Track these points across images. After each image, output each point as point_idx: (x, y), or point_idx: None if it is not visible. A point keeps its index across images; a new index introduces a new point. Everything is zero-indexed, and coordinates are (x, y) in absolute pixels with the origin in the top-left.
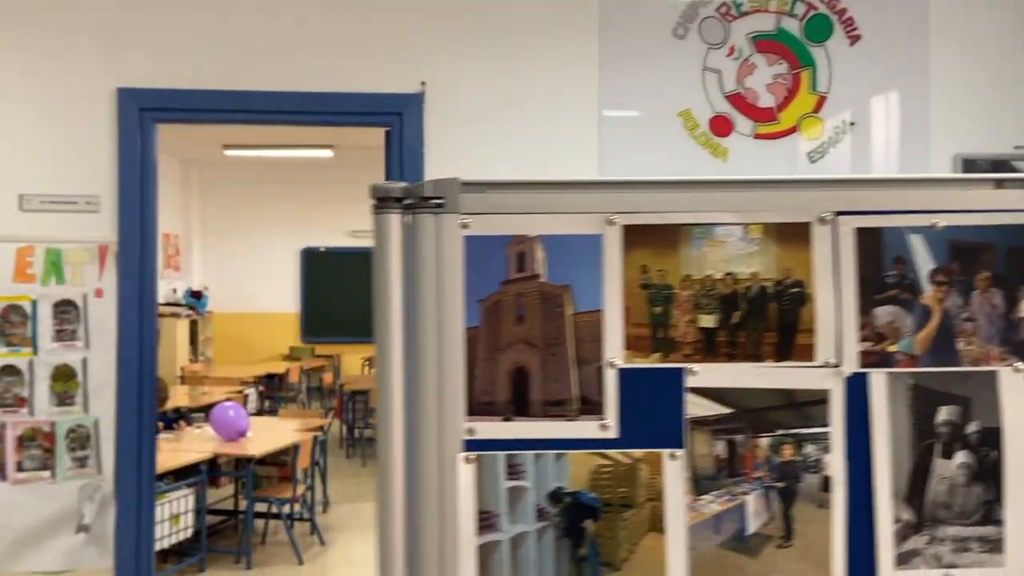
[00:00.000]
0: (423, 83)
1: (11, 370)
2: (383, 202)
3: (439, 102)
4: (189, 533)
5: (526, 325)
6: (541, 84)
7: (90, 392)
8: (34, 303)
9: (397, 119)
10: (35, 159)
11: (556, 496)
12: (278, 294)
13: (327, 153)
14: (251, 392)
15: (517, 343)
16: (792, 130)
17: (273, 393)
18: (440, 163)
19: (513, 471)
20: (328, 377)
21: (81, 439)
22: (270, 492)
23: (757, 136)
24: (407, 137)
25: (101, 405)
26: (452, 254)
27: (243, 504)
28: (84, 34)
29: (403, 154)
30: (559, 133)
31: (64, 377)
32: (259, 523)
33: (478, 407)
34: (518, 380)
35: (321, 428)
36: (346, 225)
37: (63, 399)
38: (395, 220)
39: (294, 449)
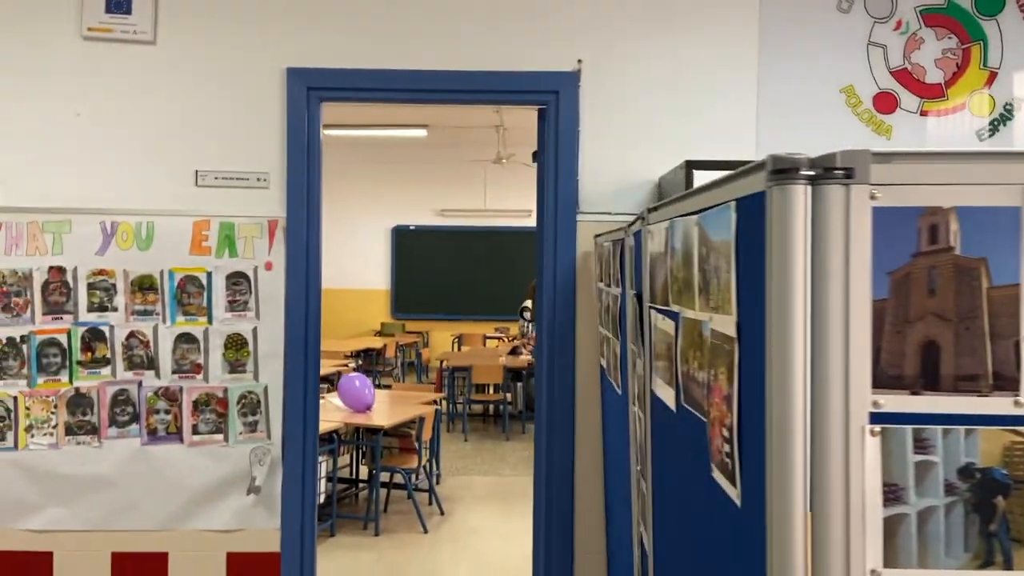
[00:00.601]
0: (579, 61)
1: (188, 338)
2: (783, 173)
3: (595, 80)
4: (322, 499)
5: (938, 298)
6: (698, 62)
7: (260, 360)
8: (209, 275)
9: (553, 97)
10: (210, 137)
11: (966, 471)
12: (370, 271)
13: (421, 133)
14: (352, 366)
15: (928, 316)
16: (961, 107)
17: (371, 367)
18: (595, 142)
19: (920, 445)
20: (426, 353)
21: (251, 405)
22: (393, 462)
23: (923, 113)
24: (563, 116)
25: (269, 373)
26: (860, 226)
27: (363, 473)
28: (257, 17)
29: (558, 133)
30: (716, 111)
31: (236, 346)
32: (371, 492)
33: (885, 380)
34: (928, 354)
35: (434, 402)
36: (435, 204)
37: (235, 366)
38: (799, 191)
39: (419, 421)
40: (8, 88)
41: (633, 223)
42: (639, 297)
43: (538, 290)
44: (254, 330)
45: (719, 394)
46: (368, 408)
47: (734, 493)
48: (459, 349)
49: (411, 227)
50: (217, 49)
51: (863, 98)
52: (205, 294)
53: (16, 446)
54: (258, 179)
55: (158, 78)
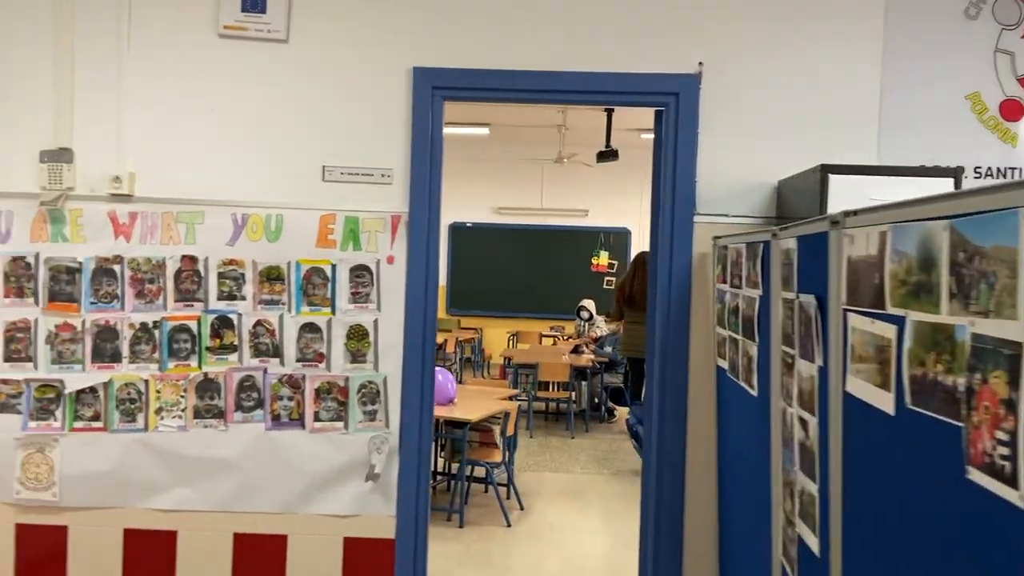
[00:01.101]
0: (700, 63)
1: (312, 328)
2: None
3: (715, 82)
4: None
5: None
6: (821, 65)
7: (380, 351)
8: (334, 267)
9: (673, 99)
10: (337, 133)
11: None
12: None
13: (484, 131)
14: None
15: None
16: None
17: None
18: (713, 144)
19: None
20: (487, 348)
21: (371, 394)
22: (473, 456)
23: None
24: (682, 118)
25: (389, 363)
26: None
27: (441, 465)
28: (385, 18)
29: (677, 135)
30: (837, 115)
31: (358, 336)
32: (455, 485)
33: None
34: None
35: (511, 398)
36: (493, 202)
37: (356, 356)
38: None
39: (504, 416)
40: (147, 85)
41: (788, 227)
42: (820, 300)
43: (650, 289)
44: (375, 321)
45: (990, 398)
46: (450, 401)
47: (1015, 496)
48: (515, 346)
49: (468, 224)
50: (346, 48)
51: (989, 105)
52: (329, 285)
53: (146, 427)
54: (382, 175)
55: (288, 76)
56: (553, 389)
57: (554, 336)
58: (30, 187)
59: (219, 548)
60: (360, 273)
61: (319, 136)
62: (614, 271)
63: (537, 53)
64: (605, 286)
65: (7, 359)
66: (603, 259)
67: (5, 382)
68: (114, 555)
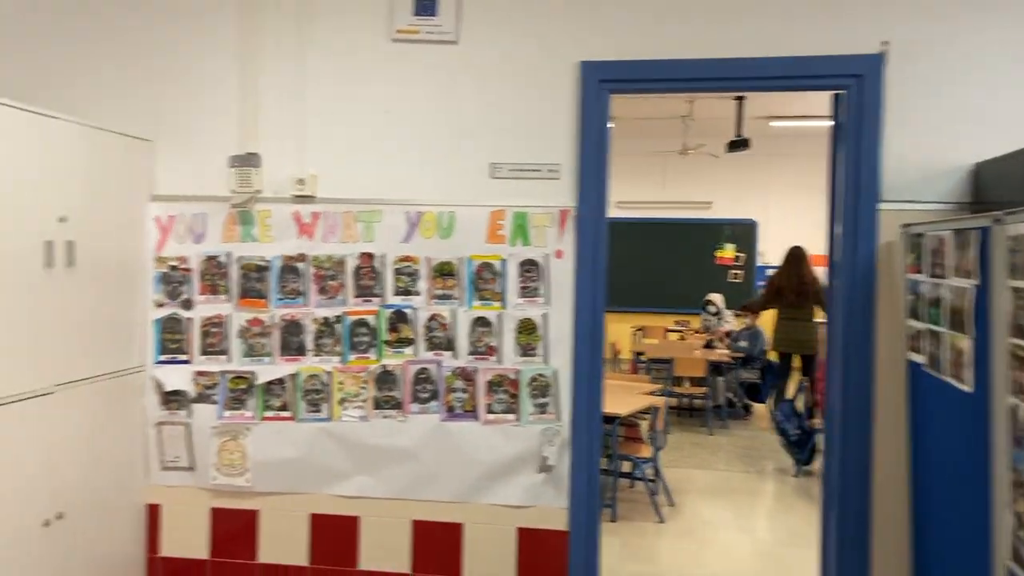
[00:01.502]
0: (885, 43)
1: (483, 322)
2: None
3: (901, 62)
4: None
5: None
6: (1013, 40)
7: (549, 345)
8: (504, 262)
9: (854, 81)
10: (505, 131)
11: None
12: None
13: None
14: None
15: None
16: None
17: None
18: (899, 128)
19: None
20: (615, 343)
21: (542, 387)
22: (622, 451)
23: None
24: (866, 100)
25: (558, 357)
26: None
27: None
28: (551, 14)
29: (860, 118)
30: None
31: (527, 330)
32: (606, 479)
33: None
34: None
35: (657, 392)
36: (614, 195)
37: (526, 350)
38: None
39: (653, 411)
40: (326, 90)
41: (1017, 212)
42: None
43: (830, 282)
44: (544, 315)
45: None
46: None
47: None
48: (640, 341)
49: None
50: (513, 46)
51: None
52: (499, 280)
53: (330, 417)
54: (549, 170)
55: (458, 76)
56: (685, 384)
57: (680, 331)
58: (222, 191)
59: (399, 534)
60: (529, 268)
61: (487, 133)
62: (740, 264)
63: (708, 40)
64: (731, 279)
65: (204, 352)
66: (728, 252)
67: (202, 374)
68: (301, 538)
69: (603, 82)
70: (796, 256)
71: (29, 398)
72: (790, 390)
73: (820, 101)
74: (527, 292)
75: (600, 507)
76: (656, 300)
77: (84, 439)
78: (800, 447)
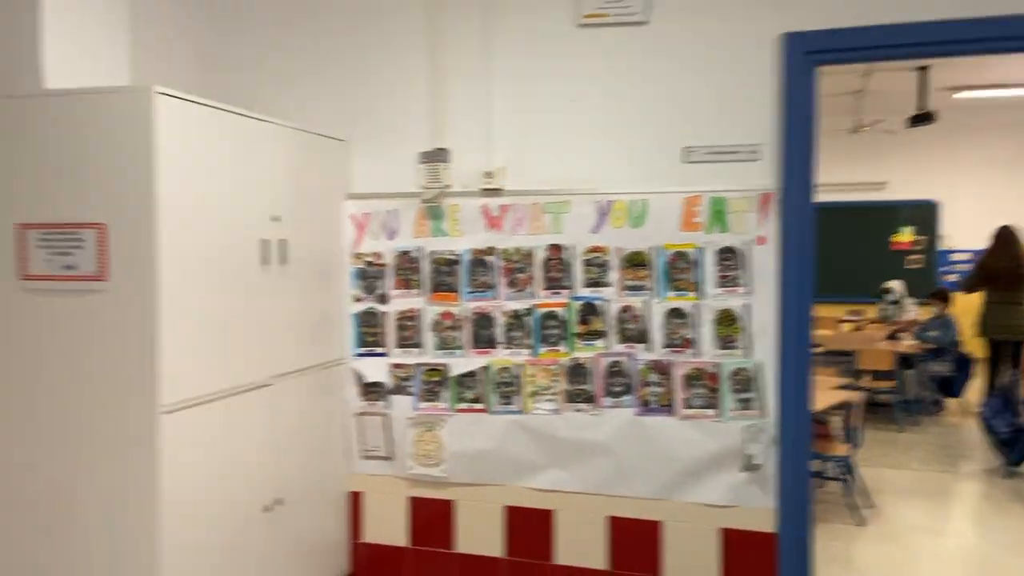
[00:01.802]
0: None
1: (678, 313)
2: None
3: None
4: None
5: None
6: None
7: (752, 337)
8: (699, 250)
9: None
10: (698, 112)
11: None
12: None
13: None
14: None
15: None
16: None
17: None
18: None
19: None
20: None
21: (744, 381)
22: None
23: None
24: None
25: (762, 350)
26: None
27: None
28: None
29: None
30: None
31: (727, 321)
32: None
33: None
34: None
35: (842, 387)
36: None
37: (726, 342)
38: None
39: (846, 407)
40: (513, 82)
41: None
42: None
43: None
44: (745, 306)
45: None
46: None
47: None
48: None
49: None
50: (707, 21)
51: None
52: (695, 270)
53: (522, 410)
54: (750, 152)
55: (647, 58)
56: (866, 378)
57: (855, 321)
58: (412, 187)
59: (594, 529)
60: (727, 256)
61: (679, 116)
62: (920, 249)
63: (922, 1)
64: (909, 266)
65: (399, 345)
66: (906, 236)
67: (398, 366)
68: (497, 529)
69: (809, 54)
70: (1007, 236)
71: (252, 389)
72: (998, 381)
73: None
74: (726, 282)
75: (812, 509)
76: (827, 288)
77: (297, 428)
78: (1011, 446)
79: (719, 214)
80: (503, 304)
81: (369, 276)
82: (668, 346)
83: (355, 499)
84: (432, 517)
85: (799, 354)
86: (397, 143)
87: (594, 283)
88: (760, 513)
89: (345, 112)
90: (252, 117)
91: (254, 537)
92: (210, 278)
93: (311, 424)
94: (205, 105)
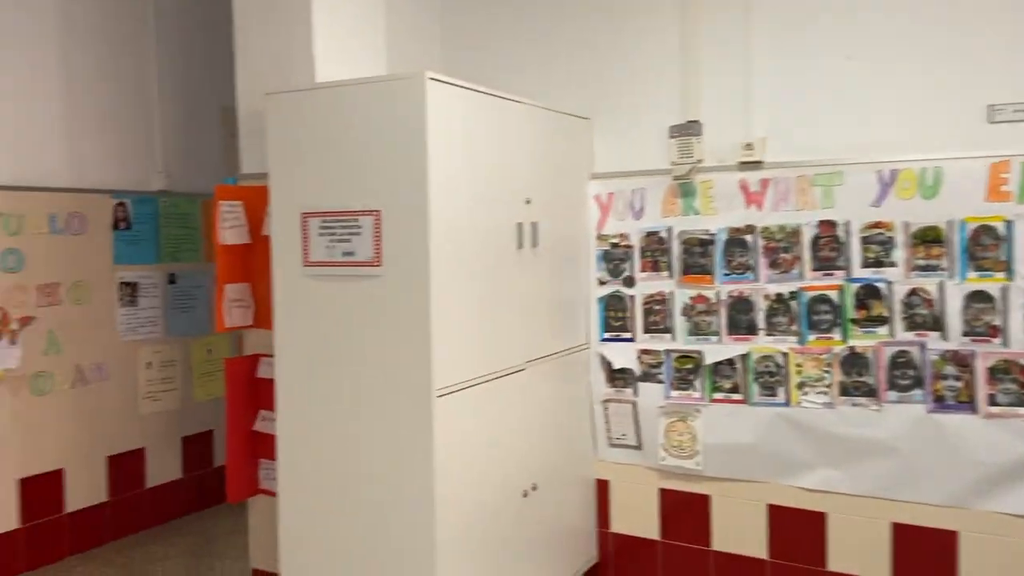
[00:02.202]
0: None
1: (982, 296)
2: None
3: None
4: None
5: None
6: None
7: None
8: (1009, 224)
9: None
10: (1004, 63)
11: None
12: None
13: None
14: None
15: None
16: None
17: None
18: None
19: None
20: None
21: None
22: None
23: None
24: None
25: None
26: None
27: None
28: None
29: None
30: None
31: None
32: None
33: None
34: None
35: None
36: None
37: None
38: None
39: None
40: (773, 43)
41: None
42: None
43: None
44: None
45: None
46: None
47: None
48: None
49: None
50: None
51: None
52: (1004, 246)
53: (788, 402)
54: None
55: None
56: None
57: None
58: (660, 163)
59: (875, 536)
60: None
61: (980, 68)
62: None
63: None
64: None
65: (647, 330)
66: None
67: (646, 352)
68: (759, 528)
69: None
70: None
71: (508, 375)
72: None
73: None
74: None
75: None
76: None
77: (549, 414)
78: None
79: None
80: (764, 287)
81: (614, 258)
82: (968, 334)
83: (603, 487)
84: (685, 510)
85: None
86: (643, 118)
87: (875, 263)
88: None
89: (586, 87)
90: (507, 98)
91: (513, 521)
92: (474, 263)
93: (560, 409)
94: (468, 88)
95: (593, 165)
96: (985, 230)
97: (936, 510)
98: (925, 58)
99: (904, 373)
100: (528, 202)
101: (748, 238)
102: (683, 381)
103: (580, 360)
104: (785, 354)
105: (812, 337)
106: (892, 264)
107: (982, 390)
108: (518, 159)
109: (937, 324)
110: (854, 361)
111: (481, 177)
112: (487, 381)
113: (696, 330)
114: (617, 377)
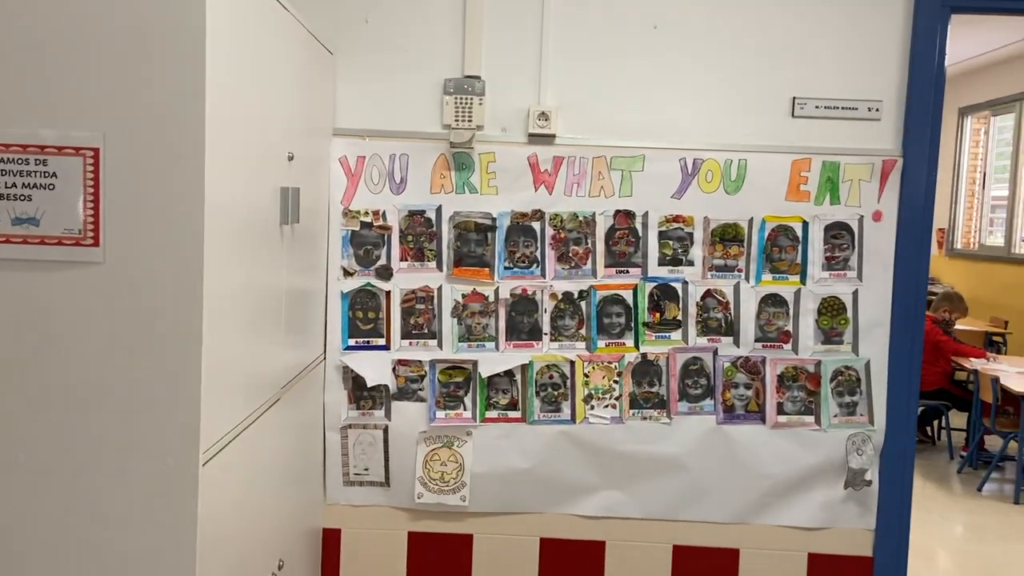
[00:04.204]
0: None
1: (776, 300)
2: None
3: None
4: None
5: None
6: None
7: (860, 330)
8: (806, 225)
9: None
10: (810, 57)
11: None
12: None
13: None
14: None
15: None
16: None
17: None
18: None
19: None
20: None
21: (849, 383)
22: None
23: None
24: None
25: (871, 346)
26: None
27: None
28: None
29: None
30: None
31: (832, 311)
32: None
33: None
34: None
35: None
36: None
37: (829, 336)
38: None
39: None
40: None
41: None
42: None
43: None
44: (854, 293)
45: None
46: None
47: None
48: None
49: None
50: None
51: None
52: (799, 248)
53: (573, 419)
54: (869, 109)
55: None
56: None
57: None
58: (430, 125)
59: (655, 562)
60: (838, 233)
61: (789, 58)
62: None
63: None
64: None
65: (406, 335)
66: None
67: (404, 363)
68: (528, 567)
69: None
70: None
71: (265, 410)
72: None
73: None
74: (834, 264)
75: (910, 528)
76: None
77: (284, 453)
78: None
79: (831, 182)
80: (551, 284)
81: (365, 242)
82: (761, 340)
83: (331, 540)
84: (441, 556)
85: (912, 352)
86: (409, 64)
87: (672, 261)
88: (857, 535)
89: (335, 9)
90: None
91: None
92: (239, 247)
93: (288, 447)
94: None
95: (335, 117)
96: (783, 230)
97: (720, 528)
98: (735, 40)
99: (696, 382)
100: (291, 158)
101: (535, 225)
102: (451, 398)
103: (314, 376)
104: (572, 363)
105: (602, 343)
106: (690, 263)
107: (772, 398)
108: (279, 92)
109: (731, 329)
110: (646, 370)
111: (252, 109)
112: (247, 427)
113: (469, 335)
114: (364, 397)
